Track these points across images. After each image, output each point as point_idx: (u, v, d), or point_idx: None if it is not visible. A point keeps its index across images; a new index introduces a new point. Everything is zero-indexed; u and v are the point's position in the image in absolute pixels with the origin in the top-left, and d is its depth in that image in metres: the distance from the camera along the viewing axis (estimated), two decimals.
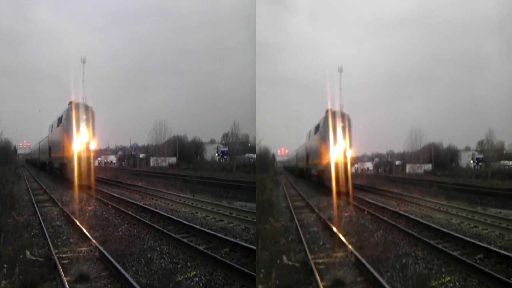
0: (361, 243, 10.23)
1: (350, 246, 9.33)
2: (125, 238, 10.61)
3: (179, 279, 7.48)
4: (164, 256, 8.89)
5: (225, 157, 65.98)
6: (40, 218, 12.80)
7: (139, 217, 12.75)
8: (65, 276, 7.23)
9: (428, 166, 54.62)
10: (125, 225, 12.15)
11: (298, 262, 8.50)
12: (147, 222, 12.02)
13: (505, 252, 8.87)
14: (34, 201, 16.64)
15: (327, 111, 24.75)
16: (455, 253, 8.90)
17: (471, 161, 68.59)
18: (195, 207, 15.95)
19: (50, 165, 33.69)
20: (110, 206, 15.59)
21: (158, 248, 9.47)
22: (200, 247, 9.13)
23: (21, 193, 20.66)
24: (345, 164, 22.23)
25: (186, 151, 61.19)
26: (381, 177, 42.97)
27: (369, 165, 60.84)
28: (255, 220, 12.85)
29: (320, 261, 8.70)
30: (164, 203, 17.49)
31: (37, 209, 14.57)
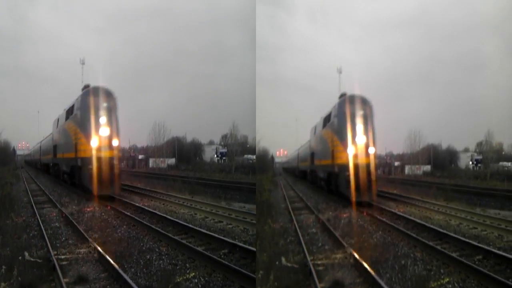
0: (360, 244, 10.24)
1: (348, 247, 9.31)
2: (124, 239, 10.60)
3: (178, 280, 7.47)
4: (163, 257, 8.88)
5: (224, 158, 66.02)
6: (40, 219, 12.78)
7: (137, 218, 12.75)
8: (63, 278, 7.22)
9: (427, 167, 54.66)
10: (124, 226, 12.13)
11: (297, 263, 8.49)
12: (146, 223, 12.01)
13: (504, 253, 8.87)
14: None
15: (341, 96, 19.88)
16: (454, 254, 8.90)
17: (470, 162, 68.71)
18: (194, 208, 15.94)
19: (55, 168, 27.65)
20: (109, 208, 15.58)
21: (157, 249, 9.46)
22: (199, 248, 9.12)
23: (20, 194, 20.62)
24: (368, 166, 17.43)
25: (185, 152, 61.23)
26: (380, 179, 42.92)
27: None
28: (253, 221, 12.85)
29: (319, 262, 8.69)
30: (163, 204, 17.48)
31: (36, 210, 14.54)
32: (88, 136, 18.62)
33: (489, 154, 56.44)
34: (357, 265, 8.28)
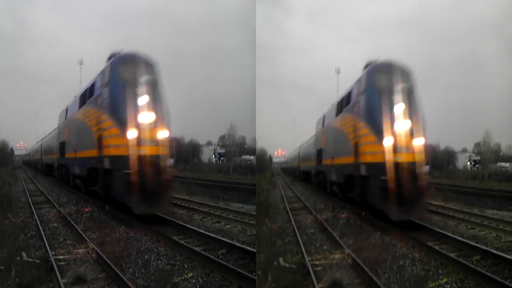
0: (359, 245, 10.24)
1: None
2: (123, 239, 10.60)
3: (176, 280, 7.47)
4: (161, 257, 8.87)
5: (222, 158, 66.05)
6: (38, 219, 12.75)
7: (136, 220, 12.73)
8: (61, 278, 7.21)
9: (426, 168, 54.64)
10: (122, 227, 12.11)
11: (295, 264, 8.50)
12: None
13: (502, 254, 8.89)
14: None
15: (367, 66, 14.42)
16: (452, 255, 8.92)
17: (468, 163, 68.90)
18: (192, 209, 15.93)
19: (63, 170, 22.79)
20: (107, 208, 15.54)
21: (155, 250, 9.46)
22: (197, 249, 9.12)
23: (18, 194, 20.59)
24: (413, 165, 12.02)
25: (183, 153, 61.17)
26: None
27: None
28: (251, 222, 12.85)
29: (317, 262, 8.70)
30: None
31: (34, 210, 14.52)
32: (122, 125, 12.52)
33: (487, 155, 56.55)
34: (355, 265, 8.29)
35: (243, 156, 63.50)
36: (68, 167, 20.72)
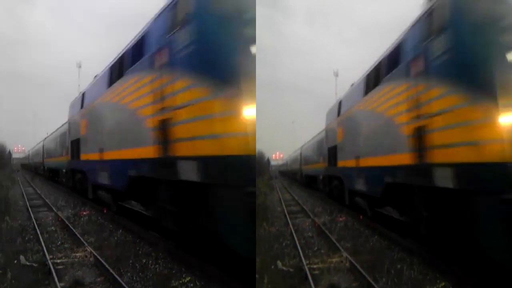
0: (356, 248, 10.26)
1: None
2: (121, 243, 10.59)
3: (174, 284, 7.47)
4: (159, 261, 8.86)
5: None
6: (36, 223, 12.73)
7: (133, 223, 12.72)
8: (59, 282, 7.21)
9: None
10: (120, 230, 12.11)
11: (292, 267, 8.51)
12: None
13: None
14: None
15: None
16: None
17: None
18: None
19: (79, 178, 17.50)
20: (105, 212, 15.53)
21: (153, 254, 9.45)
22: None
23: (15, 198, 20.57)
24: None
25: None
26: None
27: None
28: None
29: (315, 266, 8.71)
30: None
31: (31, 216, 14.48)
32: (251, 93, 6.44)
33: None
34: (353, 269, 8.31)
35: None
36: (85, 173, 15.77)
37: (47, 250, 9.28)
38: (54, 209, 15.86)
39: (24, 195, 21.47)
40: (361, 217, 14.98)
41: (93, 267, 8.42)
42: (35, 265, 8.43)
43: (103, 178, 13.11)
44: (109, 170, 12.52)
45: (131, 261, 8.85)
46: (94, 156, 14.09)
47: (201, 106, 7.07)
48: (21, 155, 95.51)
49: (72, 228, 11.79)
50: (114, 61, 12.48)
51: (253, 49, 6.70)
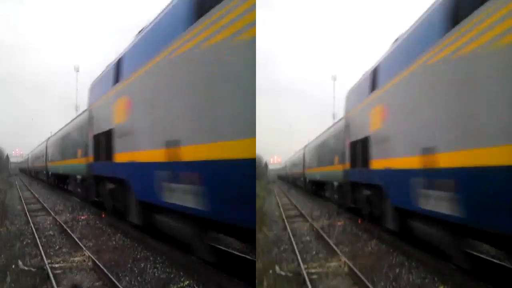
0: (355, 253, 10.26)
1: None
2: (119, 247, 10.58)
3: None
4: (158, 265, 8.85)
5: None
6: (33, 227, 12.71)
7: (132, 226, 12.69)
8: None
9: None
10: (119, 234, 12.10)
11: (290, 272, 8.50)
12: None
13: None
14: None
15: None
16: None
17: None
18: None
19: (110, 189, 12.45)
20: (103, 216, 15.52)
21: (151, 258, 9.44)
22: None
23: (13, 202, 20.53)
24: None
25: None
26: None
27: None
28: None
29: (313, 270, 8.71)
30: None
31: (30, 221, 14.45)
32: None
33: None
34: (352, 273, 8.31)
35: None
36: (126, 183, 10.53)
37: (45, 255, 9.27)
38: (52, 213, 15.83)
39: (22, 199, 21.42)
40: (359, 221, 15.01)
41: (91, 272, 8.41)
42: (33, 269, 8.41)
43: (177, 195, 7.56)
44: (201, 181, 6.77)
45: (129, 265, 8.84)
46: (149, 156, 8.80)
47: None
48: (19, 159, 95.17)
49: (70, 232, 11.78)
50: None
51: None
